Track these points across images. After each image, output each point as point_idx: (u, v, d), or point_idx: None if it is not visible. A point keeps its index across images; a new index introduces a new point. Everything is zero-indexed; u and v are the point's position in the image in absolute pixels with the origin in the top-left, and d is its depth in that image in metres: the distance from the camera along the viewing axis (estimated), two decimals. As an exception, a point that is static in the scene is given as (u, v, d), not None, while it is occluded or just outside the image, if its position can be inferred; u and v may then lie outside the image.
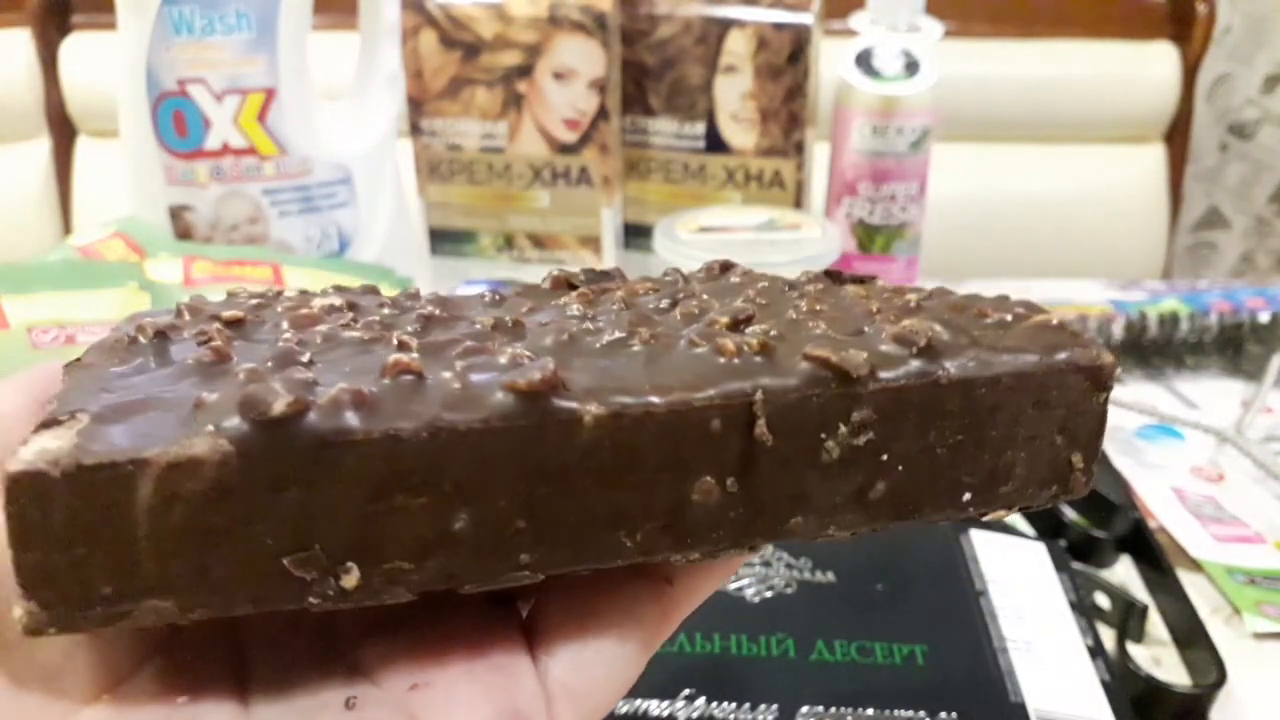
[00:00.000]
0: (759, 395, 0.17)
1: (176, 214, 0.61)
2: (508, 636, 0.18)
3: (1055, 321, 0.21)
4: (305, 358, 0.18)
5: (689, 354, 0.18)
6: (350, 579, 0.16)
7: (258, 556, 0.15)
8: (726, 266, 0.29)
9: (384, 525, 0.16)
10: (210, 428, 0.15)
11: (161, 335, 0.20)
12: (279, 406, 0.15)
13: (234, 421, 0.15)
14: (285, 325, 0.21)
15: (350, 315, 0.22)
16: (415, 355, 0.17)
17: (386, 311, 0.22)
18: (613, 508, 0.17)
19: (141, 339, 0.20)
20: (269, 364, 0.17)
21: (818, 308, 0.22)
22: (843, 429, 0.18)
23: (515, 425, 0.16)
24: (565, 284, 0.26)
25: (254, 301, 0.23)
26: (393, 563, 0.16)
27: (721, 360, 0.18)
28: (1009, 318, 0.21)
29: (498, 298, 0.25)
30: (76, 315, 0.46)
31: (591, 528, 0.17)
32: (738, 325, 0.20)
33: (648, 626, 0.19)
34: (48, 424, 0.15)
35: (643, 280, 0.26)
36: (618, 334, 0.19)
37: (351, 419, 0.15)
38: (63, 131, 1.11)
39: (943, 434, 0.19)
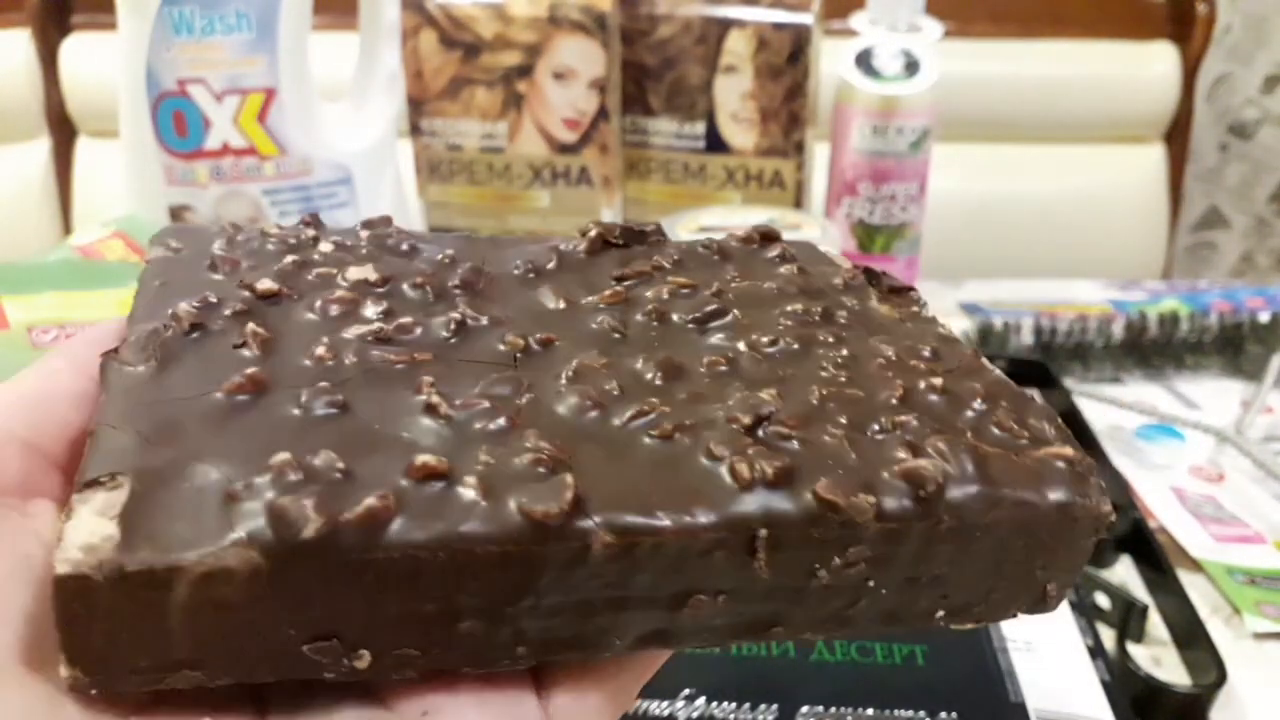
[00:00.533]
0: (763, 533, 0.18)
1: (176, 214, 0.61)
2: (514, 669, 0.19)
3: (1064, 458, 0.21)
4: (339, 399, 0.19)
5: (702, 467, 0.19)
6: (362, 662, 0.17)
7: (280, 643, 0.17)
8: (768, 237, 0.29)
9: (396, 623, 0.17)
10: (243, 536, 0.16)
11: (198, 327, 0.21)
12: (309, 531, 0.16)
13: (264, 531, 0.16)
14: (316, 314, 0.22)
15: (385, 305, 0.22)
16: (442, 426, 0.18)
17: (418, 298, 0.23)
18: (609, 616, 0.18)
19: (176, 329, 0.21)
20: (296, 412, 0.19)
21: (841, 379, 0.22)
22: (836, 561, 0.19)
23: (529, 547, 0.17)
24: (602, 243, 0.27)
25: (289, 260, 0.24)
26: (402, 650, 0.17)
27: (732, 484, 0.18)
28: (1024, 439, 0.21)
29: (531, 273, 0.25)
30: (76, 315, 0.46)
31: (587, 630, 0.18)
32: (758, 424, 0.20)
33: (644, 656, 0.20)
34: (91, 485, 0.17)
35: (678, 259, 0.27)
36: (640, 421, 0.20)
37: (378, 537, 0.16)
38: (62, 131, 1.11)
39: (930, 566, 0.20)
